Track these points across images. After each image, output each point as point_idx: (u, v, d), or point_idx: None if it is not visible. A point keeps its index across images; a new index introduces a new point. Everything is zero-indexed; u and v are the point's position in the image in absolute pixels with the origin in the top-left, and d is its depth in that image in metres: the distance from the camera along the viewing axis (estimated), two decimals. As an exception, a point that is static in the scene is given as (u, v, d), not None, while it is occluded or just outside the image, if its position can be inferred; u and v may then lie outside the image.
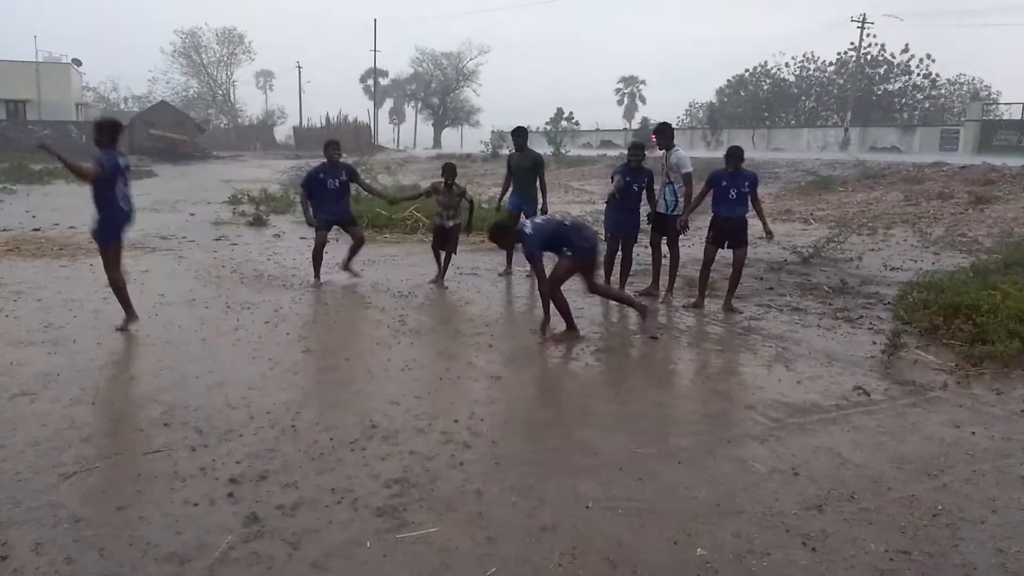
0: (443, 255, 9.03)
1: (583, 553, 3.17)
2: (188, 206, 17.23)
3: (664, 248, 8.53)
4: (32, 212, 14.93)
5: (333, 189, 8.78)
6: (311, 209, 8.84)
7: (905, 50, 55.88)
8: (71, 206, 16.39)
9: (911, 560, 3.17)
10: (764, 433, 4.53)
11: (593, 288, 6.76)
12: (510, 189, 9.73)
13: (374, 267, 9.95)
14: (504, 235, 6.91)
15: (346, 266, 9.12)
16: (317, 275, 8.84)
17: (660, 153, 8.36)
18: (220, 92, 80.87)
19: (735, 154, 7.67)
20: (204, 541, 3.18)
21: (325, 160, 8.89)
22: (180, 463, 3.92)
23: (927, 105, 58.04)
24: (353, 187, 9.33)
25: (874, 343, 6.45)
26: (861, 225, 13.85)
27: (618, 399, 5.23)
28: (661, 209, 8.35)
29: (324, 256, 8.95)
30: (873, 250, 11.87)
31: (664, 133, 8.30)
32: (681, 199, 8.18)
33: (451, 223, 8.98)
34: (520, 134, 9.73)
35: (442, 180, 9.00)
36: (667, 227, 8.35)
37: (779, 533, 3.36)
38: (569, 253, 6.39)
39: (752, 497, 3.70)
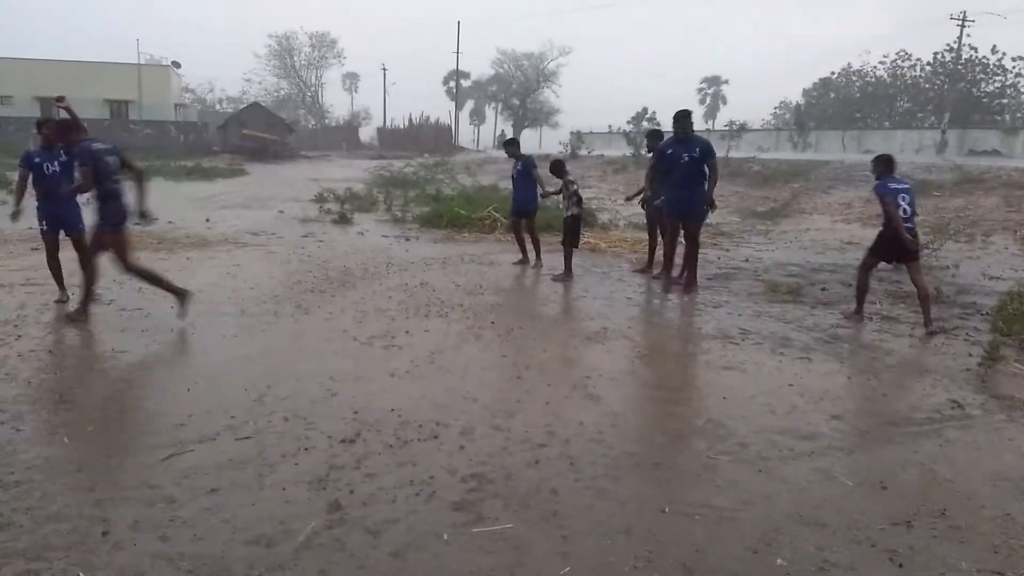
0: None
1: (659, 557, 3.15)
2: (277, 204, 17.83)
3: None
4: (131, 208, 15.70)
5: (50, 175, 7.10)
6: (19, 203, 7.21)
7: (994, 50, 52.89)
8: (169, 202, 17.19)
9: (1007, 583, 3.03)
10: (850, 444, 4.39)
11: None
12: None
13: (448, 265, 10.07)
14: None
15: (75, 313, 6.68)
16: (60, 286, 7.48)
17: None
18: (309, 94, 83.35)
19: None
20: (289, 526, 3.30)
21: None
22: (268, 449, 4.07)
23: (1031, 105, 54.88)
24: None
25: (970, 355, 6.16)
26: (958, 231, 13.22)
27: (695, 405, 5.15)
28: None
29: (62, 264, 7.48)
30: (971, 258, 11.33)
31: (680, 121, 8.36)
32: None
33: (565, 214, 9.50)
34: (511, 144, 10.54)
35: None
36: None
37: (864, 548, 3.26)
38: None
39: (836, 509, 3.60)
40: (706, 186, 8.19)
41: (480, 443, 4.26)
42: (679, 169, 8.09)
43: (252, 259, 10.18)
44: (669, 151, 8.20)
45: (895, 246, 7.23)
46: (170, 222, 13.44)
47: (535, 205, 10.15)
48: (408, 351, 6.02)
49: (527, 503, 3.58)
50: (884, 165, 7.45)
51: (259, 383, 5.12)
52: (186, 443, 4.13)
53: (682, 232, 8.38)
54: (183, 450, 4.04)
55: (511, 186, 10.43)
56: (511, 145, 10.48)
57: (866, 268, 7.61)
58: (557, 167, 9.70)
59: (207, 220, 14.13)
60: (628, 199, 11.01)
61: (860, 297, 7.64)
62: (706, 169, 8.15)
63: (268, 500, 3.53)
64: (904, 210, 7.13)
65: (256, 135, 45.26)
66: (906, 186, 7.39)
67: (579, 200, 9.48)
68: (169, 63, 55.26)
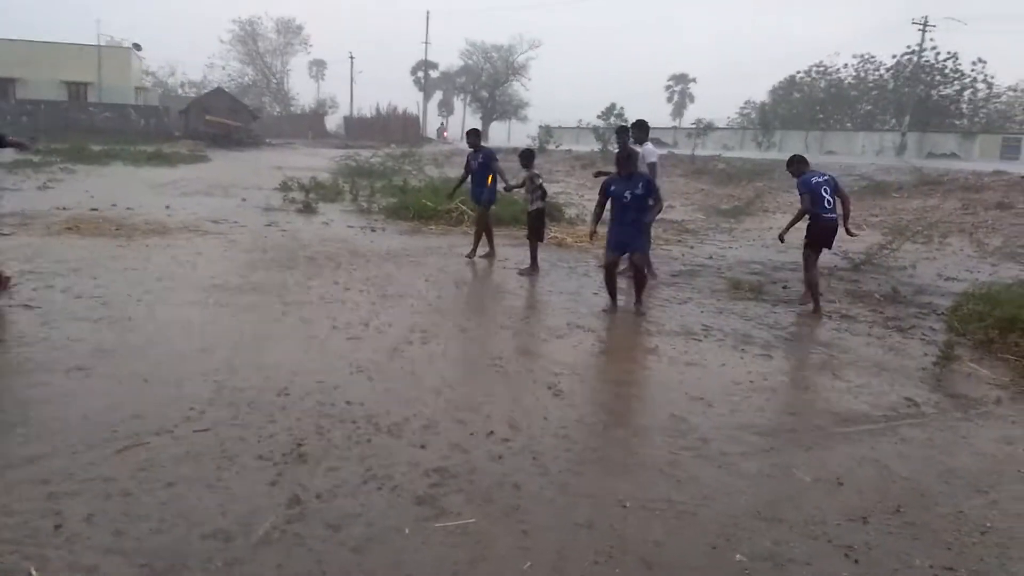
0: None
1: (620, 553, 3.17)
2: (240, 191, 17.55)
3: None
4: (91, 192, 15.35)
5: None
6: None
7: (950, 56, 54.10)
8: (128, 188, 16.86)
9: (957, 578, 3.10)
10: (809, 441, 4.46)
11: None
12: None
13: (423, 257, 10.02)
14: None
15: None
16: None
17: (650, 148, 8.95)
18: (274, 80, 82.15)
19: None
20: (248, 520, 3.25)
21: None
22: (227, 442, 4.01)
23: (988, 110, 56.25)
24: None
25: (926, 354, 6.30)
26: (916, 233, 13.50)
27: (658, 400, 5.19)
28: None
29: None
30: (927, 259, 11.58)
31: (639, 128, 9.15)
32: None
33: (530, 207, 9.53)
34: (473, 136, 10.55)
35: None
36: None
37: (821, 543, 3.31)
38: None
39: (794, 505, 3.65)
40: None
41: (443, 437, 4.24)
42: (620, 206, 7.51)
43: (213, 248, 10.01)
44: (612, 188, 7.54)
45: (824, 234, 7.86)
46: (129, 208, 13.16)
47: (493, 198, 10.25)
48: (371, 344, 5.97)
49: (490, 497, 3.57)
50: (800, 163, 8.21)
51: (219, 374, 5.03)
52: (142, 435, 4.04)
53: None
54: (139, 442, 3.96)
55: (470, 177, 10.48)
56: (474, 136, 10.50)
57: (810, 262, 8.03)
58: (527, 156, 9.72)
59: (167, 207, 13.84)
60: (596, 175, 10.96)
61: (814, 292, 7.95)
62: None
63: (226, 494, 3.47)
64: (827, 201, 7.80)
65: (219, 121, 44.50)
66: (826, 178, 8.01)
67: (544, 194, 9.50)
68: (130, 45, 54.05)
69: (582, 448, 4.22)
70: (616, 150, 8.66)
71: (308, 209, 14.49)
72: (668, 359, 6.18)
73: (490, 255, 10.25)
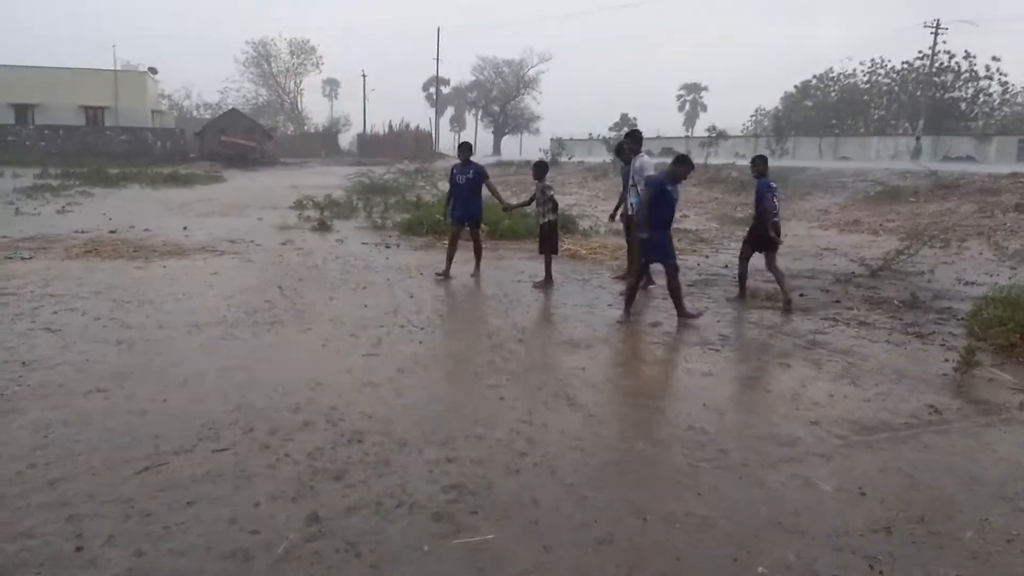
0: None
1: (640, 567, 3.14)
2: (256, 211, 17.70)
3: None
4: (109, 215, 15.54)
5: None
6: None
7: (967, 56, 53.71)
8: (145, 210, 17.06)
9: (985, 588, 3.05)
10: (829, 450, 4.41)
11: None
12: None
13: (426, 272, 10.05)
14: None
15: None
16: None
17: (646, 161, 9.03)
18: (288, 100, 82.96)
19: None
20: (267, 539, 3.25)
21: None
22: (245, 461, 4.02)
23: (1005, 111, 55.78)
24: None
25: (946, 360, 6.23)
26: (933, 237, 13.37)
27: (676, 411, 5.16)
28: (630, 212, 9.02)
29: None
30: (946, 263, 11.46)
31: (633, 139, 9.19)
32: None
33: (541, 220, 9.46)
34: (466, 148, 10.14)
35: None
36: (632, 227, 8.82)
37: (844, 555, 3.27)
38: None
39: (816, 516, 3.61)
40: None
41: (461, 453, 4.23)
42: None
43: (230, 267, 10.09)
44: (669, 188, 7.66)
45: (764, 236, 8.36)
46: (146, 229, 13.31)
47: (481, 214, 10.07)
48: (388, 360, 5.98)
49: (508, 513, 3.56)
50: (765, 165, 8.62)
51: (237, 394, 5.06)
52: (162, 455, 4.07)
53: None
54: (159, 463, 3.98)
55: (454, 192, 9.90)
56: (465, 150, 9.99)
57: (744, 258, 8.74)
58: (540, 169, 9.64)
59: (184, 228, 13.99)
60: (612, 218, 10.43)
61: (741, 282, 8.76)
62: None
63: (246, 513, 3.48)
64: (776, 207, 8.41)
65: (234, 141, 45.03)
66: (775, 186, 8.60)
67: (555, 206, 9.48)
68: (146, 69, 54.82)
69: (600, 461, 4.20)
70: (618, 164, 8.86)
71: (323, 227, 14.58)
72: (685, 369, 6.15)
73: (476, 268, 9.99)
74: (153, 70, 55.38)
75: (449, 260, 9.74)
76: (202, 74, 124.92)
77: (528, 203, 9.99)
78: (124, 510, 3.48)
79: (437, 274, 9.69)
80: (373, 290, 8.77)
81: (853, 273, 10.29)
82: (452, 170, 9.99)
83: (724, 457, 4.30)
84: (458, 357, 6.23)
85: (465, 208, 9.79)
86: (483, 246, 10.33)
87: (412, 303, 8.13)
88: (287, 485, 3.76)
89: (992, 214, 15.95)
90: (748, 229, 8.88)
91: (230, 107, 61.01)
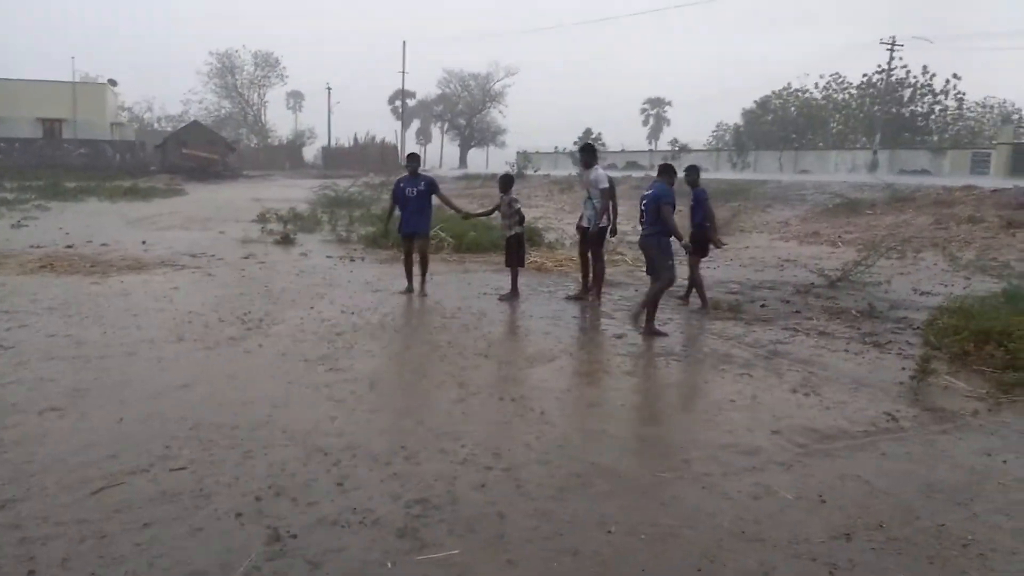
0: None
1: (605, 578, 3.14)
2: (218, 224, 17.48)
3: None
4: (65, 229, 15.22)
5: None
6: None
7: (924, 71, 55.30)
8: (103, 224, 16.75)
9: (941, 592, 3.10)
10: (790, 459, 4.47)
11: None
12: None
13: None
14: None
15: None
16: None
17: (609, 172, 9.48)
18: (252, 112, 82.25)
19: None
20: (227, 560, 3.19)
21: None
22: (204, 480, 3.95)
23: (958, 127, 57.36)
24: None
25: (903, 369, 6.35)
26: (890, 248, 13.67)
27: (640, 422, 5.20)
28: (585, 224, 9.15)
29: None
30: (902, 274, 11.72)
31: (583, 151, 9.41)
32: (599, 213, 8.91)
33: (508, 233, 9.41)
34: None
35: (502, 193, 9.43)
36: (589, 238, 9.14)
37: (805, 562, 3.31)
38: None
39: (777, 524, 3.65)
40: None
41: (425, 467, 4.21)
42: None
43: (190, 282, 9.93)
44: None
45: (704, 241, 8.89)
46: (104, 244, 13.06)
47: (428, 226, 9.82)
48: (351, 375, 5.93)
49: (473, 528, 3.54)
50: (697, 175, 8.98)
51: (195, 411, 4.97)
52: (118, 475, 3.98)
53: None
54: (115, 483, 3.89)
55: (399, 205, 9.60)
56: (414, 161, 9.81)
57: (694, 267, 9.03)
58: (506, 182, 9.56)
59: (143, 242, 13.75)
60: (613, 232, 9.40)
61: (701, 293, 8.99)
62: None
63: (205, 533, 3.41)
64: (713, 213, 8.85)
65: (196, 154, 44.47)
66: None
67: (522, 219, 9.51)
68: (105, 81, 54.00)
69: (565, 474, 4.20)
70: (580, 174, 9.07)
71: (286, 240, 14.44)
72: (649, 381, 6.20)
73: (422, 284, 9.60)
74: (113, 82, 54.60)
75: (410, 275, 9.59)
76: (164, 87, 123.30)
77: (490, 213, 9.99)
78: (79, 532, 3.39)
79: (401, 292, 9.47)
80: (336, 304, 8.70)
81: (813, 284, 10.47)
82: (399, 183, 9.66)
83: (687, 467, 4.34)
84: (422, 371, 6.20)
85: (416, 221, 9.51)
86: (450, 259, 10.29)
87: (376, 317, 8.08)
88: (247, 503, 3.70)
89: (947, 226, 16.35)
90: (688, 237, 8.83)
91: (192, 119, 60.23)
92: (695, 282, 9.05)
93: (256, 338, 7.01)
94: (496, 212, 9.75)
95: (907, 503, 3.92)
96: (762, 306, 9.13)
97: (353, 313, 8.22)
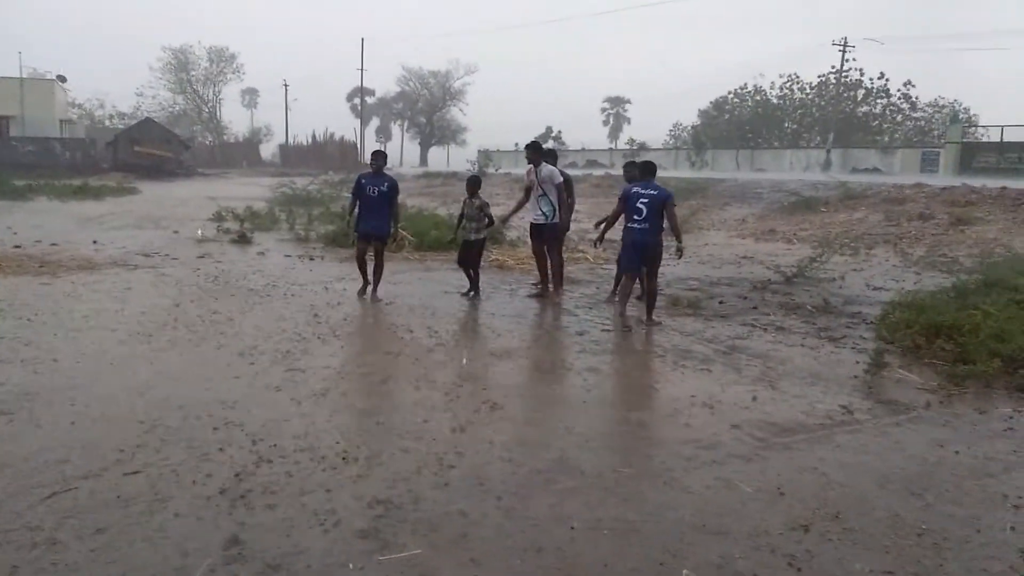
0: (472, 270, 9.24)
1: (568, 575, 3.15)
2: (172, 223, 17.13)
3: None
4: (13, 229, 14.77)
5: None
6: None
7: (880, 76, 56.72)
8: (53, 223, 16.30)
9: (896, 580, 3.17)
10: (750, 452, 4.53)
11: None
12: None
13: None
14: None
15: None
16: None
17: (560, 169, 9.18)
18: (206, 109, 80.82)
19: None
20: (183, 564, 3.12)
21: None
22: (160, 483, 3.86)
23: (908, 127, 58.81)
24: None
25: (857, 362, 6.48)
26: (843, 245, 13.96)
27: (602, 418, 5.22)
28: (540, 220, 9.10)
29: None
30: (856, 270, 11.97)
31: (532, 149, 9.24)
32: (558, 208, 8.99)
33: (473, 236, 9.14)
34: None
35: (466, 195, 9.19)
36: (545, 235, 9.14)
37: (764, 553, 3.35)
38: None
39: (738, 517, 3.69)
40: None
41: (387, 467, 4.17)
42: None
43: (143, 282, 9.71)
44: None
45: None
46: (54, 244, 12.71)
47: (387, 229, 9.28)
48: (311, 376, 5.86)
49: (436, 527, 3.52)
50: (636, 171, 8.57)
51: (150, 413, 4.86)
52: (70, 480, 3.87)
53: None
54: (66, 488, 3.78)
55: (359, 204, 9.16)
56: (380, 158, 9.28)
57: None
58: (475, 184, 9.39)
59: (94, 242, 13.41)
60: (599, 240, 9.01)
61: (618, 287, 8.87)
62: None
63: (160, 538, 3.33)
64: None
65: (149, 152, 43.50)
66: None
67: (491, 223, 9.39)
68: (54, 77, 52.53)
69: (528, 471, 4.20)
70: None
71: (243, 239, 14.20)
72: (609, 377, 6.23)
73: (374, 289, 9.21)
74: (62, 78, 53.14)
75: (364, 273, 9.27)
76: (116, 83, 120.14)
77: (458, 226, 9.40)
78: (30, 539, 3.28)
79: (360, 294, 9.19)
80: (295, 304, 8.59)
81: (769, 280, 10.64)
82: (360, 180, 9.20)
83: (649, 462, 4.37)
84: (383, 370, 6.14)
85: (376, 222, 9.08)
86: (417, 257, 10.10)
87: (336, 317, 7.99)
88: (204, 507, 3.63)
89: (898, 222, 16.75)
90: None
91: (145, 116, 58.92)
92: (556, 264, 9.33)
93: (212, 339, 6.88)
94: (463, 220, 9.26)
95: (863, 494, 4.00)
96: (720, 303, 9.25)
97: (312, 312, 8.12)
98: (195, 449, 4.31)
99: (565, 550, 3.34)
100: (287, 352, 6.48)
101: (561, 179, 9.04)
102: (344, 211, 12.58)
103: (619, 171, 28.83)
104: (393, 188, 9.10)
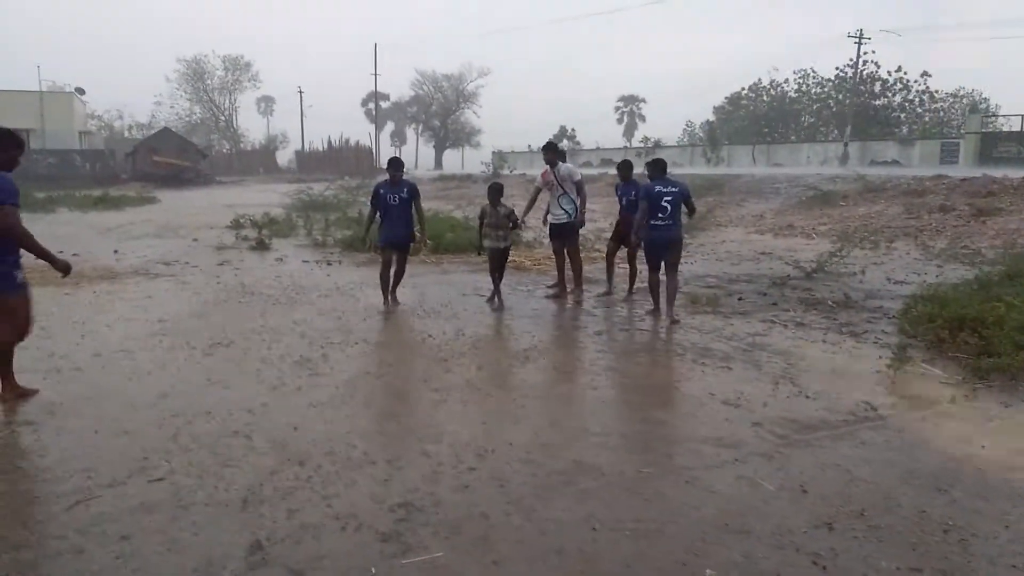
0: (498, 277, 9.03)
1: (590, 576, 3.14)
2: (191, 232, 17.29)
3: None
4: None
5: None
6: None
7: (898, 69, 56.19)
8: (74, 234, 16.51)
9: (923, 578, 3.13)
10: (771, 450, 4.49)
11: None
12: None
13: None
14: None
15: None
16: None
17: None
18: (223, 118, 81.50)
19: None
20: (207, 571, 3.14)
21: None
22: (183, 491, 3.89)
23: (927, 118, 58.18)
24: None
25: (880, 357, 6.41)
26: (863, 239, 13.82)
27: (622, 418, 5.20)
28: (563, 219, 9.18)
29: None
30: (876, 264, 11.85)
31: (550, 149, 9.37)
32: (578, 206, 9.17)
33: (503, 244, 8.94)
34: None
35: (488, 202, 8.92)
36: (566, 233, 9.25)
37: (788, 552, 3.32)
38: None
39: (760, 516, 3.66)
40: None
41: (408, 470, 4.18)
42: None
43: (164, 291, 9.80)
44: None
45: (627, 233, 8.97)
46: (75, 254, 12.84)
47: (410, 237, 8.92)
48: (330, 379, 5.88)
49: (457, 529, 3.52)
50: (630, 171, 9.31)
51: (173, 421, 4.90)
52: (93, 489, 3.90)
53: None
54: (90, 496, 3.82)
55: (385, 213, 8.75)
56: (397, 167, 8.84)
57: (611, 253, 9.78)
58: (497, 193, 8.90)
59: (115, 251, 13.57)
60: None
61: (609, 278, 9.78)
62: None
63: (184, 544, 3.36)
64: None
65: (167, 161, 43.92)
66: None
67: (515, 226, 9.25)
68: (73, 89, 53.19)
69: (548, 472, 4.19)
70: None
71: (261, 246, 14.31)
72: (630, 377, 6.20)
73: (393, 291, 8.97)
74: (80, 90, 53.78)
75: (386, 291, 8.89)
76: (134, 94, 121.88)
77: (483, 230, 8.99)
78: (54, 548, 3.32)
79: (380, 311, 8.62)
80: (314, 309, 8.63)
81: (789, 276, 10.55)
82: (378, 189, 8.83)
83: (670, 462, 4.34)
84: (403, 374, 6.16)
85: (399, 230, 8.75)
86: (428, 260, 10.09)
87: (355, 320, 8.02)
88: (228, 513, 3.65)
89: (918, 215, 16.57)
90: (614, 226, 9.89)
91: (162, 126, 59.50)
92: (611, 265, 9.82)
93: (234, 346, 6.93)
94: (486, 228, 8.95)
95: (887, 490, 3.95)
96: (740, 299, 9.19)
97: (331, 317, 8.15)
98: (218, 456, 4.34)
99: (587, 551, 3.33)
100: (308, 357, 6.51)
101: (580, 176, 9.22)
102: (361, 217, 12.58)
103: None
104: (413, 192, 8.77)
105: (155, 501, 3.77)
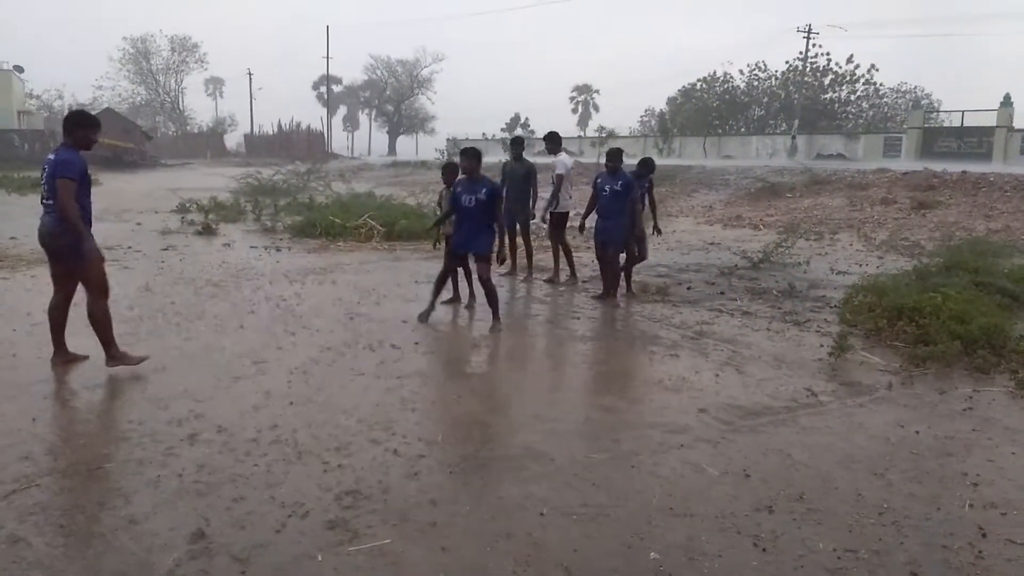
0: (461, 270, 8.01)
1: (538, 560, 3.17)
2: (134, 216, 16.82)
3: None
4: (-30, 223, 14.41)
5: None
6: None
7: (850, 60, 57.38)
8: (11, 216, 15.92)
9: (858, 558, 3.23)
10: (716, 436, 4.58)
11: None
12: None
13: (333, 274, 9.82)
14: None
15: None
16: None
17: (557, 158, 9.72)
18: (169, 99, 79.36)
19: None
20: (148, 560, 3.09)
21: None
22: (124, 479, 3.81)
23: (871, 113, 59.56)
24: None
25: (821, 345, 6.58)
26: (808, 230, 14.16)
27: (572, 405, 5.24)
28: (561, 209, 9.63)
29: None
30: (820, 255, 12.14)
31: (550, 140, 9.82)
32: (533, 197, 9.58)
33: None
34: (517, 143, 10.21)
35: (445, 186, 8.00)
36: (555, 222, 9.64)
37: (730, 535, 3.40)
38: None
39: (704, 499, 3.74)
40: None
41: (357, 458, 4.15)
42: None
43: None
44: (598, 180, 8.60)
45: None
46: (12, 238, 12.43)
47: (490, 245, 7.32)
48: (280, 367, 5.80)
49: (406, 516, 3.52)
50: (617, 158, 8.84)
51: (114, 409, 4.79)
52: (31, 477, 3.80)
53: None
54: (28, 485, 3.72)
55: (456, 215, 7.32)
56: (473, 159, 7.18)
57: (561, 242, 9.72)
58: (452, 171, 7.95)
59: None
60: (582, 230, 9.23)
61: (570, 264, 9.71)
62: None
63: (125, 534, 3.29)
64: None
65: (110, 143, 42.56)
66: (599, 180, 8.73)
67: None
68: (11, 68, 51.20)
69: (498, 458, 4.21)
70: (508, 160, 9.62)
71: (208, 231, 14.00)
72: (579, 364, 6.26)
73: (495, 318, 7.20)
74: (19, 68, 51.85)
75: (456, 284, 8.16)
76: (75, 73, 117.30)
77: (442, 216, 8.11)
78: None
79: (445, 302, 8.00)
80: (262, 294, 8.49)
81: (736, 266, 10.75)
82: (455, 188, 7.31)
83: (617, 447, 4.40)
84: (351, 361, 6.10)
85: (475, 236, 7.15)
86: (386, 247, 9.97)
87: (302, 307, 7.92)
88: (170, 502, 3.58)
89: (861, 207, 17.03)
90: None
91: (105, 107, 57.70)
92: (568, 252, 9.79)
93: (177, 332, 6.78)
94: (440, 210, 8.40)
95: (826, 474, 4.07)
96: (688, 288, 9.33)
97: (279, 304, 8.03)
98: (160, 443, 4.25)
99: (535, 536, 3.36)
100: (254, 344, 6.40)
101: (562, 171, 9.61)
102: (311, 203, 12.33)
103: (588, 159, 28.76)
104: (492, 194, 7.08)
105: (96, 490, 3.68)
